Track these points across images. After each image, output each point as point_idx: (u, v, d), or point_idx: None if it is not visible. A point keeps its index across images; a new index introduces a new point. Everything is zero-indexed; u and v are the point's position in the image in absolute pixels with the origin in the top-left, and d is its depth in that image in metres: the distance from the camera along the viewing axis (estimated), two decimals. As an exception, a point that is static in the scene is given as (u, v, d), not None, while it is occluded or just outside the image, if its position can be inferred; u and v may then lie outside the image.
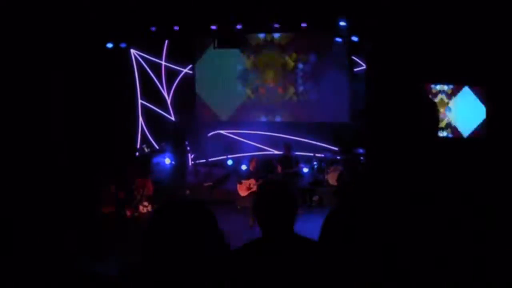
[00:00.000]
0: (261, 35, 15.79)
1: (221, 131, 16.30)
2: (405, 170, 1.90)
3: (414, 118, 2.00)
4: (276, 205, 2.67)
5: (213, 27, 14.61)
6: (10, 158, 11.52)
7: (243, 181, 11.89)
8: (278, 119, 16.00)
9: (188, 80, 16.54)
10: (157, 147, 16.12)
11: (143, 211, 10.55)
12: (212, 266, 1.72)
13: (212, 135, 16.25)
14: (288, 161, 13.02)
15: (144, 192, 10.52)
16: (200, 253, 1.72)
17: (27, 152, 11.89)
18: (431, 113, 2.04)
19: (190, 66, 16.49)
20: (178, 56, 16.17)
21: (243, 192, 11.89)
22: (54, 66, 12.58)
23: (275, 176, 11.92)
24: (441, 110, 12.42)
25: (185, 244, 1.71)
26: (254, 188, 11.54)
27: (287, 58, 15.80)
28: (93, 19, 12.96)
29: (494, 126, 11.79)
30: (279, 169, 12.87)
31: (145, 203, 10.58)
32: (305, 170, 13.86)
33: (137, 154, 14.18)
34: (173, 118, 16.57)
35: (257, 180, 11.75)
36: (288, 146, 13.32)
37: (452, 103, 12.73)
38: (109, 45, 14.62)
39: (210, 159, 16.07)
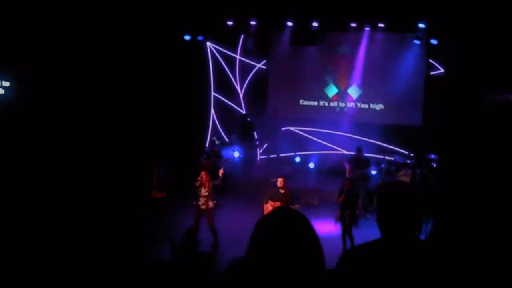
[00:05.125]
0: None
1: (291, 128, 16.32)
2: (485, 180, 1.85)
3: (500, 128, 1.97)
4: (404, 207, 2.57)
5: (289, 23, 14.68)
6: (87, 143, 12.02)
7: (270, 202, 10.14)
8: (349, 119, 15.82)
9: (262, 75, 16.65)
10: (227, 139, 16.34)
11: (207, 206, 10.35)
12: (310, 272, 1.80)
13: (282, 131, 16.30)
14: (359, 162, 12.91)
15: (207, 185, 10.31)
16: (300, 259, 1.80)
17: (101, 135, 12.37)
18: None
19: (264, 61, 16.60)
20: (253, 50, 16.28)
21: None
22: (133, 54, 12.97)
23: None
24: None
25: (286, 248, 1.81)
26: None
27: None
28: (173, 11, 13.27)
29: None
30: (348, 169, 12.78)
31: (204, 196, 10.33)
32: (374, 172, 13.66)
33: (207, 148, 14.36)
34: (244, 112, 16.74)
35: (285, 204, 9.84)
36: (359, 148, 13.21)
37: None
38: (187, 37, 14.91)
39: (279, 155, 16.15)
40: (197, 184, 10.18)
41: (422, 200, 2.67)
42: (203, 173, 10.28)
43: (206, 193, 10.17)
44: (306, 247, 1.83)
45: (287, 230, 1.85)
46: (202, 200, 10.19)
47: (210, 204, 10.22)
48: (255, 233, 1.87)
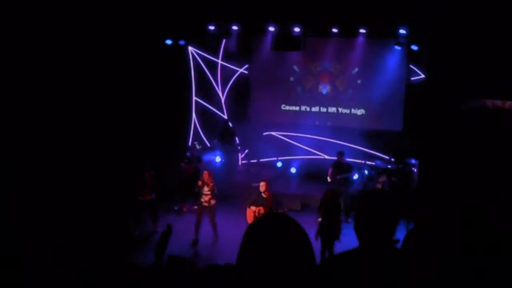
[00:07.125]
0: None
1: (273, 133, 16.32)
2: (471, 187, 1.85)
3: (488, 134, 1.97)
4: (381, 216, 2.63)
5: (271, 28, 14.69)
6: (67, 145, 11.90)
7: (252, 207, 10.40)
8: (330, 124, 15.86)
9: (244, 80, 16.64)
10: (208, 144, 16.27)
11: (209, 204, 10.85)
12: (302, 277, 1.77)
13: (264, 136, 16.29)
14: (340, 167, 12.93)
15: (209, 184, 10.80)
16: (291, 264, 1.77)
17: (83, 139, 12.27)
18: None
19: (246, 66, 16.59)
20: (235, 55, 16.25)
21: (250, 219, 10.32)
22: (114, 59, 12.88)
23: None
24: None
25: (279, 254, 1.77)
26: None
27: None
28: (154, 16, 13.22)
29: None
30: (329, 173, 12.82)
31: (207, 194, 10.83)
32: (355, 177, 13.69)
33: (188, 153, 14.36)
34: (225, 117, 16.70)
35: (268, 209, 10.19)
36: (340, 153, 13.21)
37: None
38: (168, 42, 14.85)
39: (261, 160, 16.12)
40: (200, 183, 10.85)
41: (397, 206, 2.70)
42: (205, 172, 10.96)
43: (208, 192, 10.80)
44: (300, 251, 1.81)
45: (279, 236, 1.81)
46: (205, 198, 10.83)
47: (212, 201, 10.85)
48: (246, 240, 1.82)
